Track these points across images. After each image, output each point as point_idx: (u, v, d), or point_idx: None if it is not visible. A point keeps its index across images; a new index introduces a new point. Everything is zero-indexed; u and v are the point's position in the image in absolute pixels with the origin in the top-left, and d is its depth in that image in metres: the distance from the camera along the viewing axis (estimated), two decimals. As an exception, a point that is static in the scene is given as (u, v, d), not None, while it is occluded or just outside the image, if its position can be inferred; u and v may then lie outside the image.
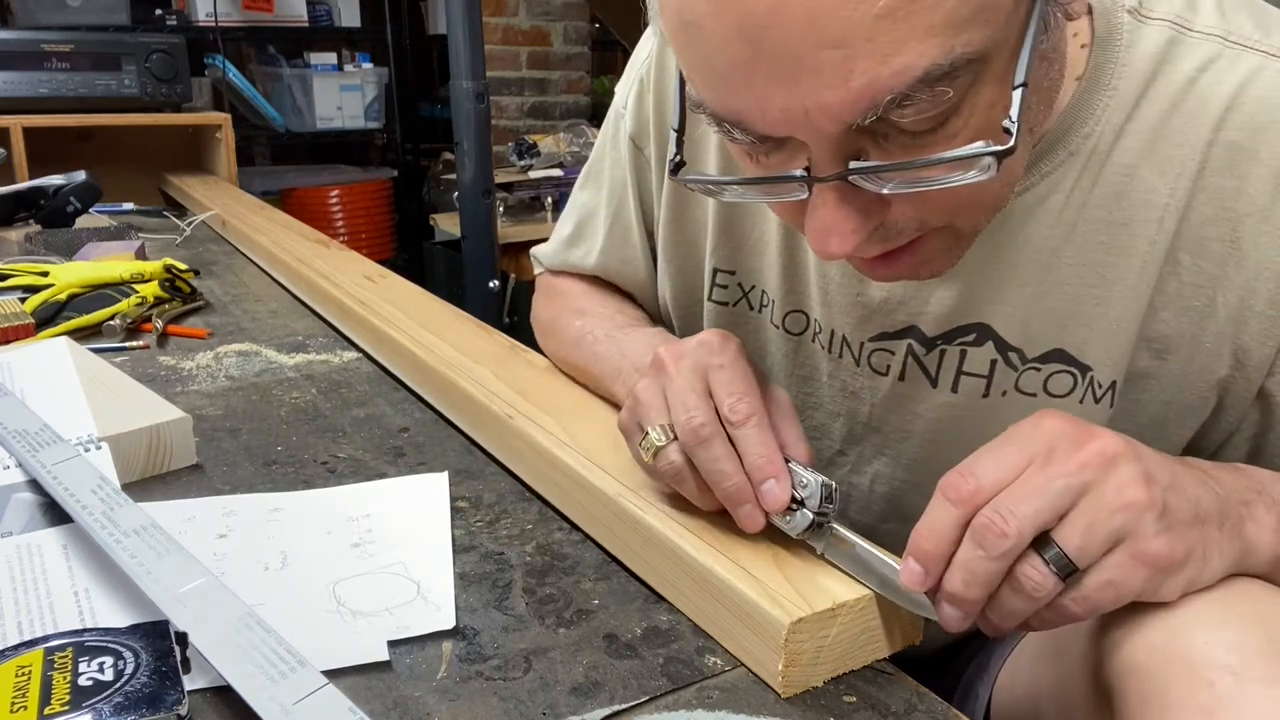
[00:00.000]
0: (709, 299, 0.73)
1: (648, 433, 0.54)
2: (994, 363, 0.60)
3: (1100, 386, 0.59)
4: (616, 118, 0.78)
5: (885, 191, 0.46)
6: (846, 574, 0.50)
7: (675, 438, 0.53)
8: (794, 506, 0.51)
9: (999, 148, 0.43)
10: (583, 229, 0.84)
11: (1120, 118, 0.56)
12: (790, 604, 0.47)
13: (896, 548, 0.68)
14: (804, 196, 0.47)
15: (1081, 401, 0.59)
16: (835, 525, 0.51)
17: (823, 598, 0.48)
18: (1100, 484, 0.43)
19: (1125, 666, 0.46)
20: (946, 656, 0.73)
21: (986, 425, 0.61)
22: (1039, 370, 0.60)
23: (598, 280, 0.84)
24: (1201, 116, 0.54)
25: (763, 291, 0.70)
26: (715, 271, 0.72)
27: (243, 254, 1.46)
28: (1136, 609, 0.46)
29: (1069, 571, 0.43)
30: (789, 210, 0.51)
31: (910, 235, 0.49)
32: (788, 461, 0.51)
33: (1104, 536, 0.43)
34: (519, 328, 2.43)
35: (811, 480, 0.51)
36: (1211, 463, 0.50)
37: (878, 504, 0.70)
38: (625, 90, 0.77)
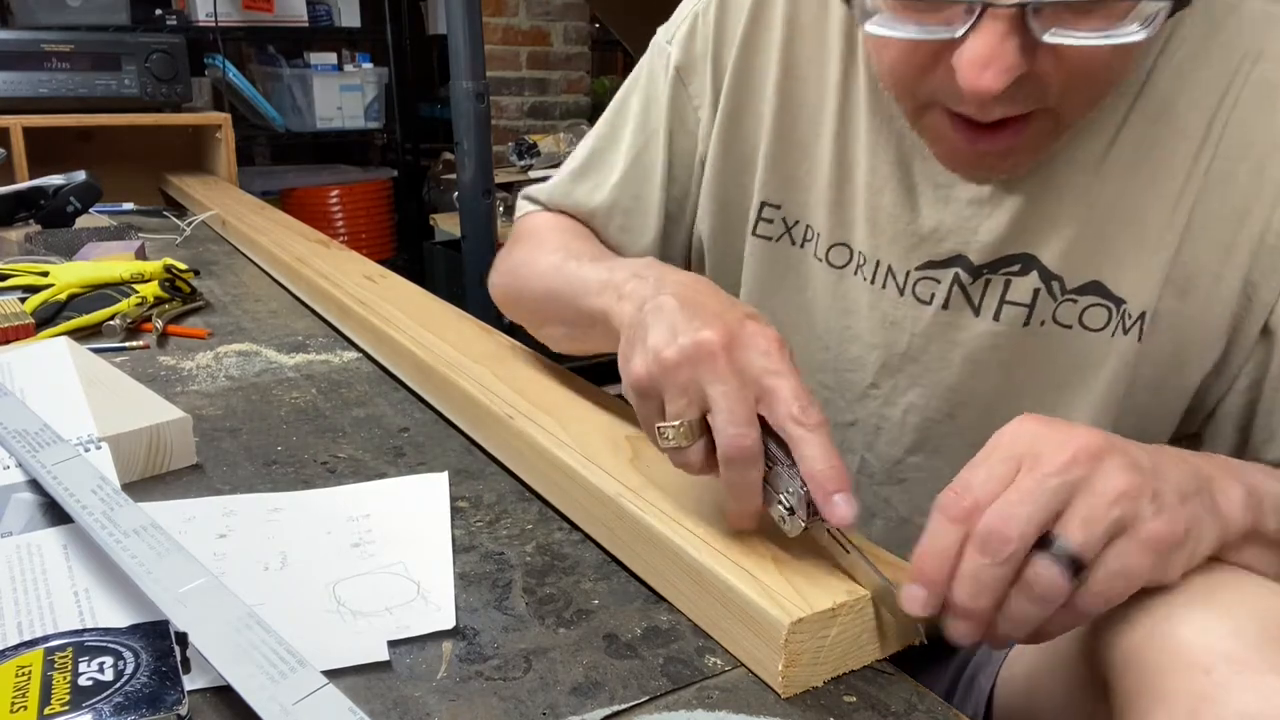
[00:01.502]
0: (753, 233, 0.75)
1: (670, 425, 0.52)
2: (1037, 292, 0.62)
3: (1130, 318, 0.61)
4: (657, 53, 0.78)
5: (1045, 39, 0.48)
6: (846, 573, 0.50)
7: (699, 435, 0.51)
8: (786, 511, 0.50)
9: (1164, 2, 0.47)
10: (597, 160, 0.81)
11: (1157, 43, 0.58)
12: (790, 604, 0.47)
13: (923, 481, 0.71)
14: (960, 33, 0.49)
15: (1114, 335, 0.61)
16: (830, 529, 0.51)
17: (823, 598, 0.48)
18: (1091, 478, 0.44)
19: (1120, 656, 0.46)
20: (947, 648, 0.74)
21: (1023, 355, 0.64)
22: (1076, 302, 0.62)
23: (587, 232, 0.81)
24: (1238, 44, 0.56)
25: (807, 226, 0.72)
26: (762, 205, 0.73)
27: (243, 254, 1.46)
28: (1132, 602, 0.47)
29: (1076, 567, 0.43)
30: (920, 59, 0.53)
31: (1030, 106, 0.53)
32: (779, 464, 0.51)
33: (1105, 527, 0.43)
34: (519, 328, 2.42)
35: (798, 491, 0.50)
36: (1176, 448, 0.51)
37: (909, 436, 0.71)
38: (673, 27, 0.78)
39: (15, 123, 1.82)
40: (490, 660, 0.49)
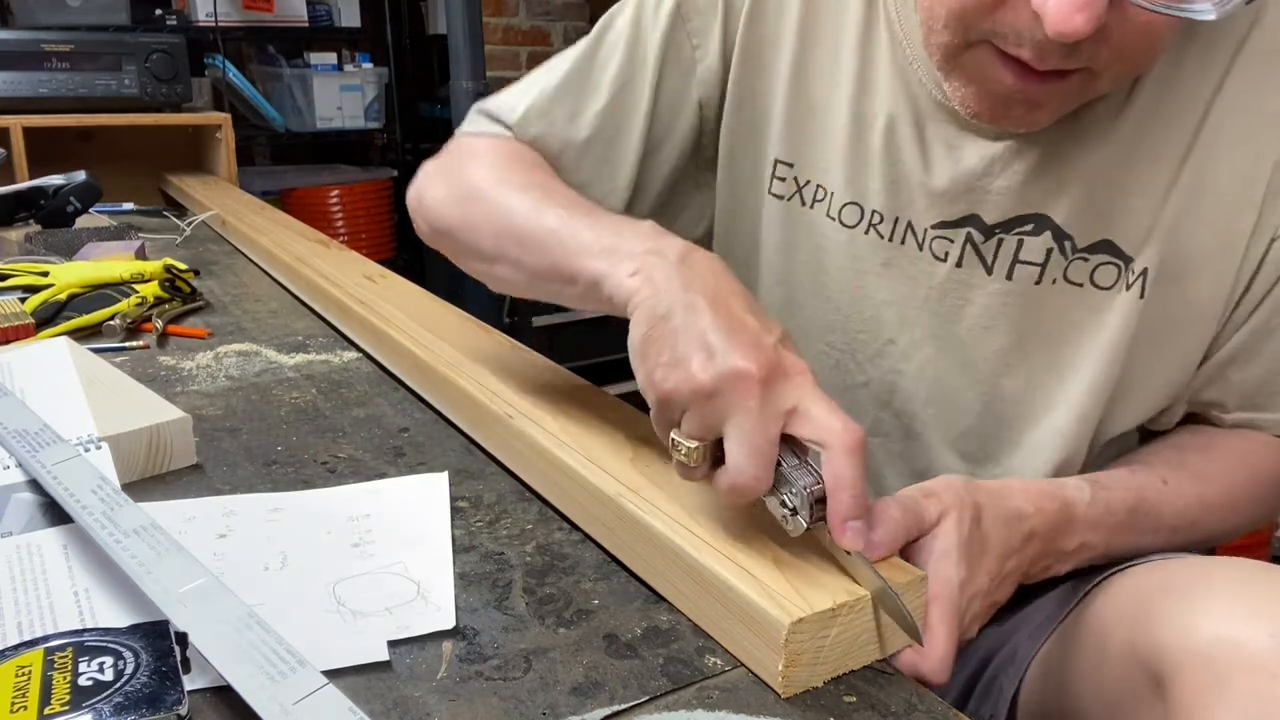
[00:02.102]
0: (769, 192, 0.75)
1: (685, 444, 0.51)
2: (1049, 251, 0.64)
3: (1134, 274, 0.62)
4: None
5: None
6: (846, 574, 0.50)
7: (712, 457, 0.51)
8: (789, 511, 0.50)
9: None
10: (577, 82, 0.75)
11: None
12: (790, 604, 0.47)
13: (938, 433, 0.74)
14: None
15: (1120, 292, 0.63)
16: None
17: (823, 598, 0.48)
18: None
19: (1184, 654, 0.47)
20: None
21: (1035, 313, 0.66)
22: (1087, 261, 0.64)
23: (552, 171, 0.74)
24: (1243, 10, 0.57)
25: (818, 186, 0.72)
26: (776, 163, 0.73)
27: (243, 254, 1.46)
28: (1190, 602, 0.49)
29: None
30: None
31: (1082, 63, 0.54)
32: (783, 462, 0.50)
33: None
34: (519, 328, 2.43)
35: (801, 492, 0.49)
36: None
37: (924, 389, 0.72)
38: None
39: (15, 123, 1.82)
40: (490, 660, 0.49)
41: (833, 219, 0.72)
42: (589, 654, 0.50)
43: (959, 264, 0.67)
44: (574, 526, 0.63)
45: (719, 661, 0.50)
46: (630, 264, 0.56)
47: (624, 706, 0.46)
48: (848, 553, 0.50)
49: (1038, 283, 0.65)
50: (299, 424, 0.79)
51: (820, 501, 0.49)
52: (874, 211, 0.70)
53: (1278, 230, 0.62)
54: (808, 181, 0.73)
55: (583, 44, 0.78)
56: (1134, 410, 0.69)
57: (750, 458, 0.49)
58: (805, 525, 0.50)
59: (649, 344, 0.52)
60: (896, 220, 0.69)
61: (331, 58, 2.94)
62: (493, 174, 0.71)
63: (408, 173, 3.25)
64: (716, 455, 0.51)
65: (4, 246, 1.33)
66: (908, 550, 0.54)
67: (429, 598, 0.54)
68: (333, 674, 0.45)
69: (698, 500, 0.57)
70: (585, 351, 2.31)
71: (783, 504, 0.50)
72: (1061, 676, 0.62)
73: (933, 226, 0.68)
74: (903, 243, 0.69)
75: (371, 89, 2.99)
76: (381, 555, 0.58)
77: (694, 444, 0.50)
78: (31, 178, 1.56)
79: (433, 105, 3.20)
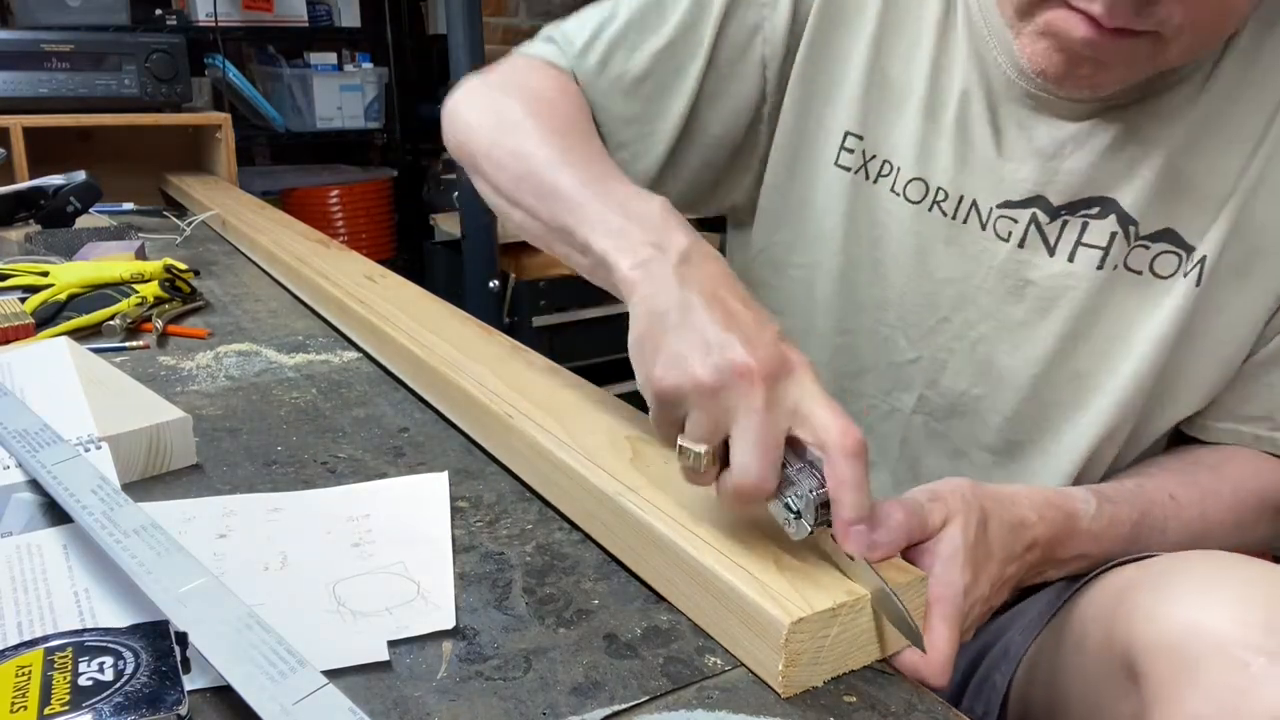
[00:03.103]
0: (836, 163, 0.74)
1: (692, 449, 0.50)
2: (1113, 235, 0.64)
3: (1192, 262, 0.62)
4: None
5: None
6: (847, 576, 0.50)
7: (719, 460, 0.50)
8: (792, 514, 0.50)
9: None
10: (643, 19, 0.75)
11: (1248, 40, 0.61)
12: (790, 604, 0.47)
13: (982, 413, 0.74)
14: None
15: (1178, 282, 0.63)
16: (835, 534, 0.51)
17: (823, 598, 0.48)
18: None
19: (1155, 643, 0.48)
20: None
21: (1092, 298, 0.66)
22: (1148, 249, 0.64)
23: (591, 128, 0.74)
24: None
25: (885, 161, 0.72)
26: (846, 135, 0.74)
27: (243, 254, 1.46)
28: (1161, 592, 0.49)
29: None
30: None
31: (1151, 26, 0.55)
32: (788, 465, 0.50)
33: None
34: (519, 328, 2.43)
35: (806, 495, 0.49)
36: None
37: (974, 369, 0.72)
38: None
39: (15, 123, 1.82)
40: (490, 660, 0.49)
41: (897, 194, 0.72)
42: (589, 654, 0.50)
43: (1021, 244, 0.67)
44: (574, 526, 0.63)
45: (719, 661, 0.50)
46: (631, 256, 0.55)
47: (624, 706, 0.46)
48: (851, 558, 0.50)
49: (1099, 267, 0.65)
50: (299, 424, 0.79)
51: (825, 506, 0.49)
52: (939, 189, 0.70)
53: None
54: (874, 156, 0.73)
55: None
56: (1175, 408, 0.69)
57: (757, 459, 0.48)
58: (809, 529, 0.49)
59: (645, 341, 0.52)
60: (961, 198, 0.69)
61: (331, 58, 2.94)
62: (529, 110, 0.69)
63: (408, 173, 3.27)
64: (722, 458, 0.51)
65: (4, 246, 1.33)
66: (911, 553, 0.54)
67: (429, 598, 0.54)
68: (333, 674, 0.45)
69: (698, 500, 0.57)
70: (585, 351, 2.31)
71: (786, 507, 0.50)
72: (1049, 672, 0.62)
73: (998, 206, 0.68)
74: (965, 221, 0.69)
75: (371, 89, 2.99)
76: (381, 555, 0.58)
77: (702, 448, 0.50)
78: (31, 178, 1.56)
79: (433, 105, 3.19)
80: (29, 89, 1.92)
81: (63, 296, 1.06)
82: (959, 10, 0.71)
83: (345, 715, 0.41)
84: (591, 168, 0.64)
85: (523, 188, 0.66)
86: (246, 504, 0.65)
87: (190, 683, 0.45)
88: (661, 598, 0.55)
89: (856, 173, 0.74)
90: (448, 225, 2.72)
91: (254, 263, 1.40)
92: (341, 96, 2.94)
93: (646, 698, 0.47)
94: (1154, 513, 0.64)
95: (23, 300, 1.03)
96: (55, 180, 1.48)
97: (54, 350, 0.82)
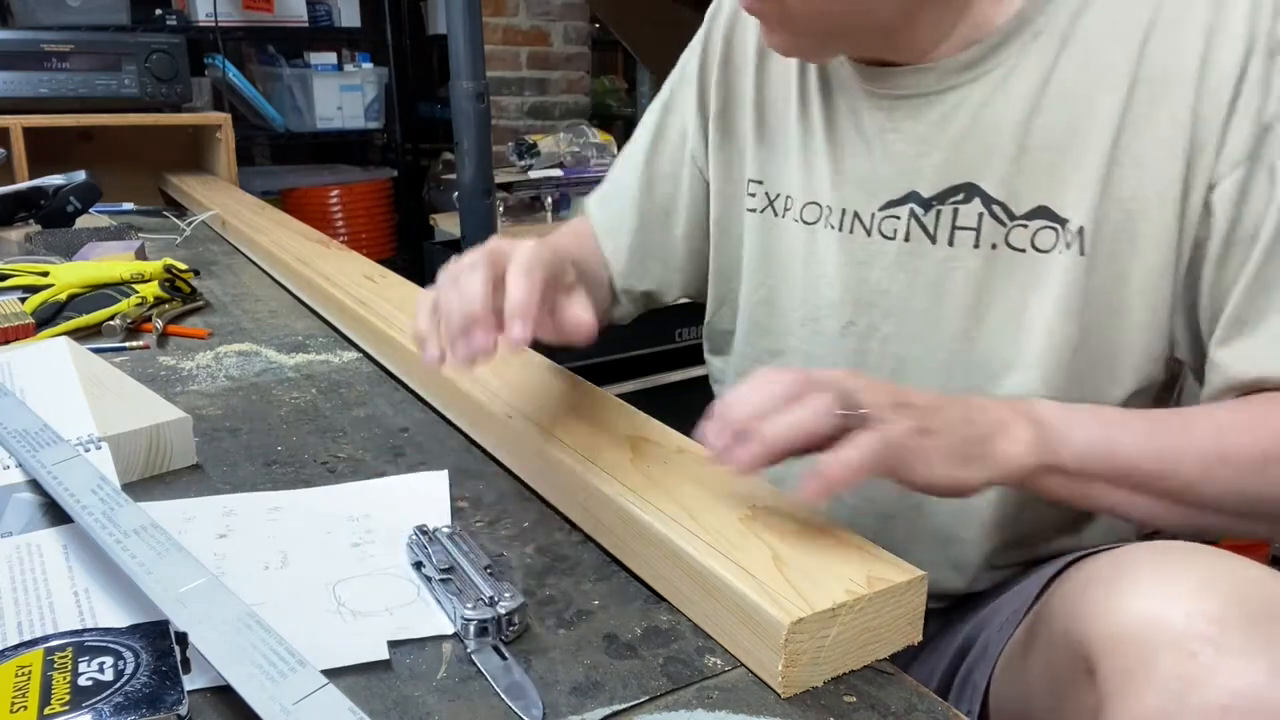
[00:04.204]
0: (748, 210, 0.83)
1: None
2: (980, 216, 0.68)
3: (1071, 234, 0.66)
4: (683, 63, 0.89)
5: None
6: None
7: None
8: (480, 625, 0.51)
9: None
10: (615, 173, 0.94)
11: (1077, 3, 0.65)
12: (790, 604, 0.47)
13: None
14: None
15: (1061, 253, 0.66)
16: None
17: (823, 598, 0.48)
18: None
19: (1108, 638, 0.49)
20: (939, 641, 0.75)
21: (983, 280, 0.69)
22: (1026, 227, 0.67)
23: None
24: None
25: (784, 196, 0.80)
26: (749, 182, 0.82)
27: (243, 254, 1.46)
28: (1115, 585, 0.50)
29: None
30: None
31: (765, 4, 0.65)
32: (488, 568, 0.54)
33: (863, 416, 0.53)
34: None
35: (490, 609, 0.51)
36: (984, 399, 0.60)
37: (889, 365, 0.75)
38: (699, 36, 0.88)
39: (15, 123, 1.82)
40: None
41: (797, 221, 0.79)
42: (589, 654, 0.50)
43: (906, 238, 0.71)
44: (574, 527, 0.63)
45: (719, 661, 0.50)
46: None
47: (624, 706, 0.46)
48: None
49: (976, 246, 0.69)
50: (299, 424, 0.79)
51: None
52: (827, 207, 0.76)
53: (1213, 178, 0.62)
54: (778, 195, 0.80)
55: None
56: (1119, 376, 0.69)
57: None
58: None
59: None
60: (844, 212, 0.75)
61: (331, 58, 2.94)
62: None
63: (407, 173, 3.27)
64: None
65: (4, 246, 1.33)
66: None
67: (429, 599, 0.54)
68: (333, 674, 0.45)
69: (697, 500, 0.57)
70: (585, 351, 2.31)
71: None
72: (1021, 669, 0.63)
73: (879, 209, 0.73)
74: (852, 231, 0.74)
75: (371, 89, 2.99)
76: (381, 555, 0.58)
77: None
78: (31, 178, 1.56)
79: (433, 105, 3.20)
80: (29, 89, 1.92)
81: (63, 296, 1.06)
82: None
83: (345, 715, 0.41)
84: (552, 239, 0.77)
85: None
86: (246, 504, 0.65)
87: (190, 683, 0.45)
88: (661, 598, 0.55)
89: (764, 212, 0.82)
90: (448, 225, 2.72)
91: (254, 263, 1.40)
92: (341, 96, 2.94)
93: (646, 697, 0.47)
94: (1166, 420, 0.62)
95: (23, 300, 1.03)
96: (55, 180, 1.48)
97: (54, 350, 0.82)
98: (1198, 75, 0.61)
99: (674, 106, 0.89)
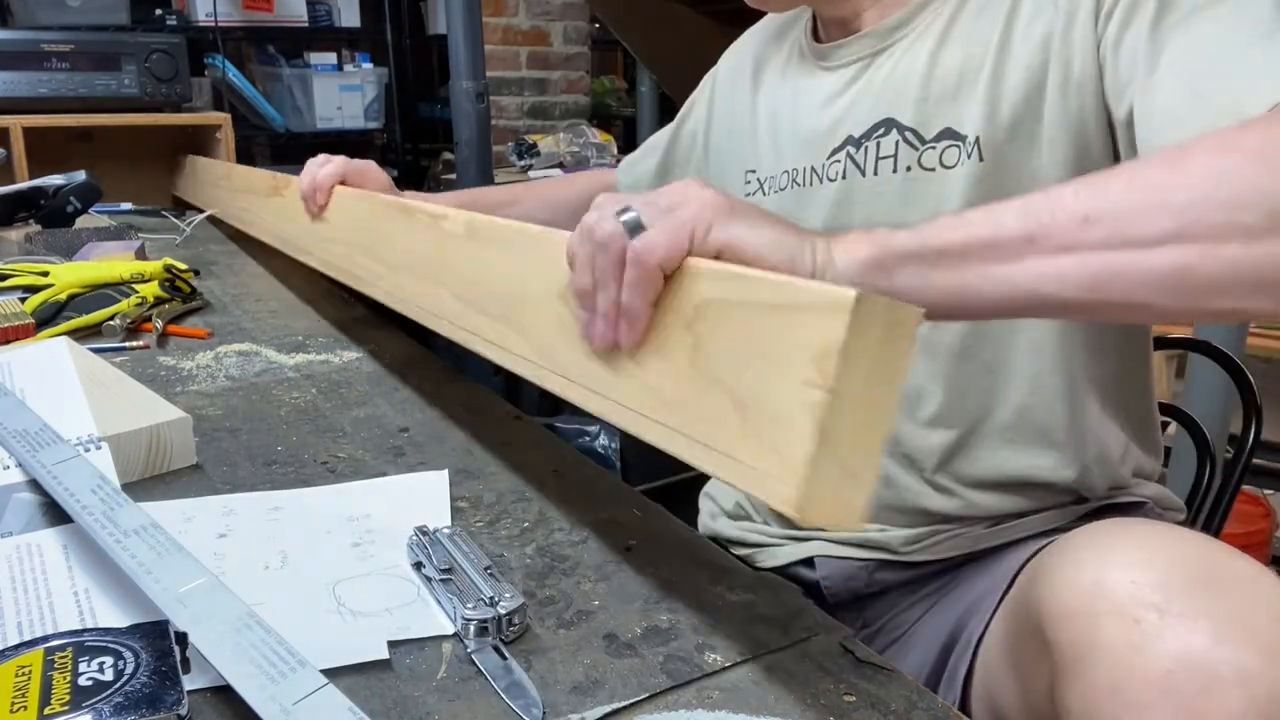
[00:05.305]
0: (746, 196, 0.90)
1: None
2: (897, 143, 0.76)
3: (969, 144, 0.72)
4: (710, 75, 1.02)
5: None
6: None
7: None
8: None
9: None
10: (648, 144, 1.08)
11: None
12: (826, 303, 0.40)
13: None
14: None
15: (963, 165, 0.72)
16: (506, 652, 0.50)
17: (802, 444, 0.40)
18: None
19: (1058, 611, 0.51)
20: (925, 632, 0.77)
21: (906, 202, 0.75)
22: (935, 149, 0.74)
23: None
24: None
25: (768, 177, 0.88)
26: (746, 172, 0.91)
27: (243, 254, 1.46)
28: (1064, 559, 0.52)
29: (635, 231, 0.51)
30: None
31: None
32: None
33: (658, 212, 0.51)
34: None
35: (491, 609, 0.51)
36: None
37: None
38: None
39: (15, 123, 1.82)
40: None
41: (772, 193, 0.87)
42: (589, 653, 0.50)
43: (844, 177, 0.79)
44: (574, 527, 0.63)
45: (719, 659, 0.50)
46: None
47: (623, 704, 0.46)
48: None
49: (894, 171, 0.76)
50: (299, 424, 0.79)
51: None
52: (793, 169, 0.85)
53: (1099, 35, 0.66)
54: (768, 177, 0.88)
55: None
56: None
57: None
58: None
59: None
60: (805, 169, 0.83)
61: (331, 58, 2.94)
62: None
63: (407, 173, 3.27)
64: None
65: (4, 246, 1.33)
66: None
67: (429, 599, 0.54)
68: (333, 674, 0.45)
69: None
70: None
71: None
72: (995, 653, 0.65)
73: (827, 158, 0.81)
74: (810, 185, 0.83)
75: (371, 89, 2.99)
76: (381, 555, 0.58)
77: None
78: (31, 178, 1.56)
79: (433, 105, 3.20)
80: (29, 89, 1.92)
81: (63, 296, 1.06)
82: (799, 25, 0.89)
83: (345, 715, 0.41)
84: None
85: None
86: (246, 504, 0.65)
87: (190, 683, 0.45)
88: (662, 598, 0.55)
89: (754, 195, 0.90)
90: (448, 225, 2.72)
91: (254, 261, 1.40)
92: (341, 96, 2.94)
93: (646, 695, 0.47)
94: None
95: (23, 300, 1.03)
96: (55, 180, 1.48)
97: (54, 350, 0.82)
98: None
99: (686, 122, 1.03)
